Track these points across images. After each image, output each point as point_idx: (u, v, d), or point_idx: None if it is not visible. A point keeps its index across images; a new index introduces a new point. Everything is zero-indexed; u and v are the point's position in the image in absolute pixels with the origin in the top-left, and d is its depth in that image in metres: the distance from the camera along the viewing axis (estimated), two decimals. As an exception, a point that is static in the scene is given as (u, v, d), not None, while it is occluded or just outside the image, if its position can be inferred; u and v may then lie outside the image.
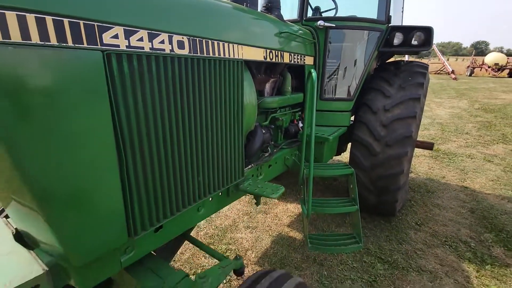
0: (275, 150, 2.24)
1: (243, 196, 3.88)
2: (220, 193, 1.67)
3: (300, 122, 2.61)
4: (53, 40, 0.77)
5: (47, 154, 0.80)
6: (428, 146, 3.32)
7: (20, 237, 1.13)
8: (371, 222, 3.24)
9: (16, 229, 1.16)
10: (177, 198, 1.26)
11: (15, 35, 0.70)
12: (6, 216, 1.28)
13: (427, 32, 2.68)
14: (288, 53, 2.05)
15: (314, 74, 1.95)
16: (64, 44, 0.79)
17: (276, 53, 1.88)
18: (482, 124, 8.08)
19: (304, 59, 2.36)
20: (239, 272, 1.37)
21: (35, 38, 0.74)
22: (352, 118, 3.20)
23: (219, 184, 1.52)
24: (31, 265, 0.95)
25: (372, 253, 2.72)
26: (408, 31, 2.73)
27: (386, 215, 3.25)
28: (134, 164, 1.04)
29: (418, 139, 3.69)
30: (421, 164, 5.10)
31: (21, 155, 0.76)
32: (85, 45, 0.84)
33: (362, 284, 2.35)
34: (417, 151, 5.84)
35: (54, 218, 0.86)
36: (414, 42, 2.70)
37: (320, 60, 2.62)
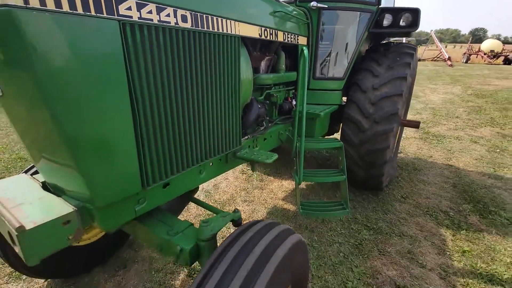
0: (269, 125, 2.41)
1: (241, 174, 4.08)
2: (219, 159, 1.84)
3: (293, 100, 2.77)
4: (80, 9, 0.91)
5: (77, 111, 0.96)
6: (415, 124, 3.50)
7: (47, 188, 1.30)
8: (360, 196, 3.46)
9: (43, 182, 1.33)
10: (182, 157, 1.43)
11: (50, 4, 0.85)
12: (32, 174, 1.45)
13: (415, 13, 2.81)
14: (282, 32, 2.18)
15: (306, 51, 2.10)
16: (88, 13, 0.93)
17: (271, 32, 2.01)
18: (472, 108, 8.31)
19: (297, 39, 2.49)
20: (237, 223, 1.56)
21: (65, 7, 0.88)
22: (345, 99, 3.36)
23: (218, 150, 1.69)
24: (62, 206, 1.13)
25: (359, 222, 2.95)
26: (397, 12, 2.86)
27: (374, 189, 3.48)
28: (146, 123, 1.20)
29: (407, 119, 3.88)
30: (410, 145, 5.32)
31: (56, 112, 0.92)
32: (105, 15, 0.98)
33: (348, 246, 2.59)
34: (408, 133, 6.06)
35: (83, 166, 1.03)
36: (402, 23, 2.84)
37: (313, 40, 2.75)
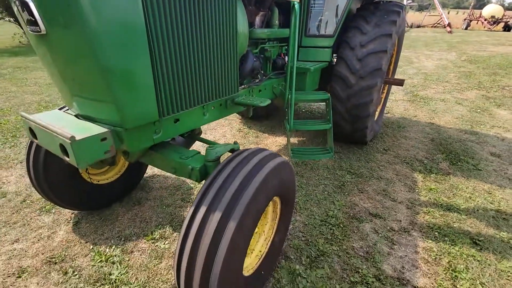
0: (264, 78, 2.65)
1: (238, 132, 4.38)
2: (220, 104, 2.12)
3: (286, 56, 2.98)
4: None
5: (113, 47, 1.20)
6: (399, 82, 3.75)
7: (80, 119, 1.58)
8: (346, 149, 3.82)
9: (75, 115, 1.61)
10: (189, 96, 1.70)
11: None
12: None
13: (402, -29, 2.93)
14: None
15: (297, 5, 2.27)
16: None
17: None
18: (463, 73, 8.51)
19: (290, -5, 2.63)
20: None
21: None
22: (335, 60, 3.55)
23: (219, 93, 1.95)
24: (98, 128, 1.41)
25: (343, 169, 3.33)
26: (386, -31, 2.97)
27: (359, 143, 3.83)
28: (160, 63, 1.45)
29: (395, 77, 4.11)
30: (398, 107, 5.62)
31: (97, 49, 1.16)
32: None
33: (332, 187, 2.98)
34: (397, 96, 6.33)
35: (115, 95, 1.30)
36: (388, -20, 2.96)
37: (305, -3, 2.89)
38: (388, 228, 2.41)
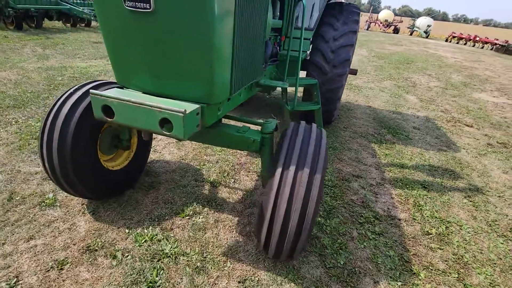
0: (267, 63, 2.95)
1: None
2: (249, 86, 2.35)
3: (278, 46, 3.33)
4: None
5: (222, 28, 1.36)
6: (353, 72, 4.61)
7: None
8: (316, 128, 4.47)
9: (145, 92, 1.61)
10: (242, 78, 1.90)
11: None
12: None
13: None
14: None
15: (304, 0, 2.64)
16: None
17: None
18: (376, 67, 10.45)
19: (286, -10, 2.97)
20: (275, 128, 2.18)
21: None
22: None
23: (252, 78, 2.18)
24: (186, 104, 1.50)
25: (320, 144, 3.96)
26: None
27: (326, 123, 4.53)
28: (236, 46, 1.62)
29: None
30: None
31: (211, 28, 1.31)
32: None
33: (318, 158, 3.56)
34: (337, 84, 7.43)
35: (214, 70, 1.44)
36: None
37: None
38: (369, 184, 3.12)
